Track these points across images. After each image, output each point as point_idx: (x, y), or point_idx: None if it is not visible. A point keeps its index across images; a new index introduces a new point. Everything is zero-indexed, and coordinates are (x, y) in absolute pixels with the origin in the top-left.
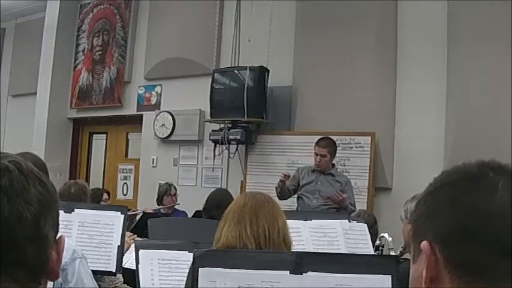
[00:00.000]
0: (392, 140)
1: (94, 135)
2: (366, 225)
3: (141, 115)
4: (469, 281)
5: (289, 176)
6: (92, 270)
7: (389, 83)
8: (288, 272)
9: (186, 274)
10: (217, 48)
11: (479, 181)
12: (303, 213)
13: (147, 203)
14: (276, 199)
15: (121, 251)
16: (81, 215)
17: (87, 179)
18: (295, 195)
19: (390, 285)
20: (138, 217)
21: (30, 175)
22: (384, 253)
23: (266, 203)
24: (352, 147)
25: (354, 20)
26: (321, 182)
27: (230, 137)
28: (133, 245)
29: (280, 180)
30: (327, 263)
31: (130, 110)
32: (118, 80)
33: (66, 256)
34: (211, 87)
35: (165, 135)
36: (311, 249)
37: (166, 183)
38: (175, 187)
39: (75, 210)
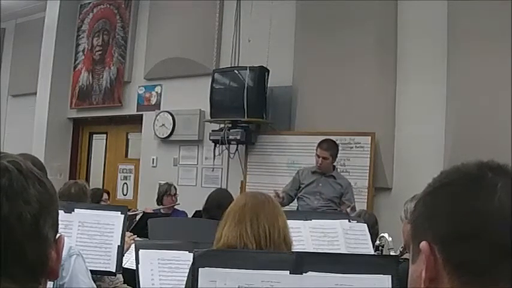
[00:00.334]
0: (392, 140)
1: (94, 135)
2: (366, 225)
3: (141, 115)
4: (468, 281)
5: (282, 198)
6: (92, 270)
7: (389, 83)
8: (288, 272)
9: (186, 274)
10: (217, 48)
11: (478, 181)
12: (303, 213)
13: (147, 203)
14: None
15: (121, 251)
16: (81, 215)
17: (87, 179)
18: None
19: (390, 285)
20: (138, 217)
21: (30, 175)
22: (384, 253)
23: (266, 203)
24: (352, 147)
25: (354, 20)
26: (322, 183)
27: (230, 137)
28: (133, 245)
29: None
30: (327, 263)
31: (130, 110)
32: (118, 80)
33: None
34: (211, 87)
35: (165, 135)
36: (311, 249)
37: (166, 183)
38: (175, 187)
39: (75, 210)
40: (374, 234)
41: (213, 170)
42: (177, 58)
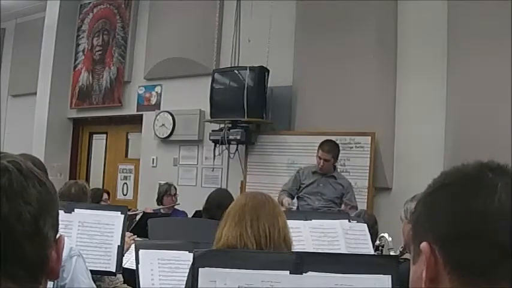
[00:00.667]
0: (392, 140)
1: (94, 135)
2: (366, 225)
3: (141, 115)
4: (468, 281)
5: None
6: (92, 270)
7: (389, 83)
8: (288, 272)
9: (186, 274)
10: (217, 48)
11: (478, 182)
12: (303, 213)
13: (147, 203)
14: (276, 198)
15: (121, 251)
16: (81, 215)
17: (87, 179)
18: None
19: (390, 285)
20: (138, 217)
21: (30, 175)
22: (384, 253)
23: (267, 203)
24: (352, 147)
25: (354, 20)
26: (323, 184)
27: (230, 137)
28: (133, 245)
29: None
30: (327, 263)
31: (130, 110)
32: (118, 80)
33: (63, 254)
34: (211, 87)
35: (165, 135)
36: (311, 249)
37: (166, 183)
38: (175, 187)
39: (75, 210)
40: (374, 234)
41: (213, 170)
42: (177, 58)
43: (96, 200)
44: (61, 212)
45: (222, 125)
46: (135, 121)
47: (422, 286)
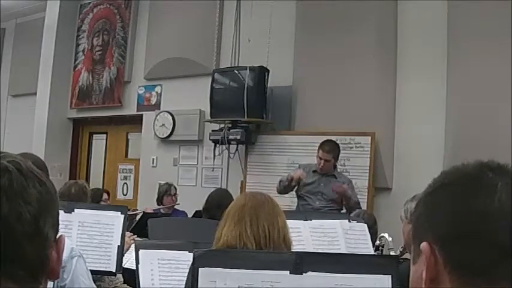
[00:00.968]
0: (392, 140)
1: (94, 135)
2: (366, 225)
3: (141, 115)
4: (468, 281)
5: (301, 179)
6: (92, 270)
7: (389, 83)
8: (288, 272)
9: (186, 274)
10: (217, 48)
11: (479, 182)
12: (303, 213)
13: (147, 203)
14: (276, 198)
15: (121, 251)
16: (81, 215)
17: (87, 179)
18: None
19: (390, 285)
20: (138, 217)
21: (30, 175)
22: (384, 253)
23: (266, 203)
24: (352, 147)
25: (354, 20)
26: (324, 183)
27: (230, 137)
28: (133, 245)
29: (292, 179)
30: (327, 263)
31: (131, 110)
32: (118, 80)
33: (64, 254)
34: (211, 87)
35: (165, 135)
36: (311, 249)
37: (166, 183)
38: (175, 187)
39: (75, 210)
40: (373, 234)
41: (213, 170)
42: (177, 58)
43: (96, 200)
44: (61, 212)
45: (222, 125)
46: (135, 121)
47: (422, 286)
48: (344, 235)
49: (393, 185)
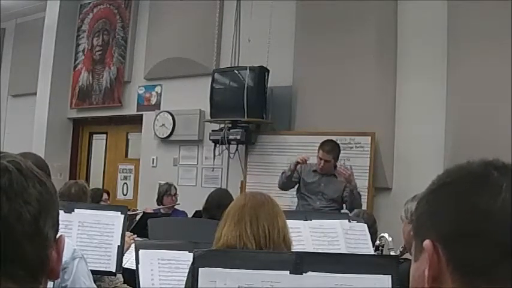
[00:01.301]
0: (392, 140)
1: (94, 135)
2: (365, 225)
3: (141, 115)
4: (470, 280)
5: (306, 160)
6: (92, 270)
7: (389, 83)
8: (288, 272)
9: (186, 274)
10: (217, 48)
11: (484, 181)
12: (303, 213)
13: (147, 203)
14: (276, 198)
15: (121, 251)
16: (81, 215)
17: (87, 179)
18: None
19: (390, 285)
20: (138, 217)
21: (30, 175)
22: (384, 253)
23: (266, 203)
24: (352, 147)
25: (354, 20)
26: (324, 183)
27: (230, 137)
28: (133, 245)
29: (297, 163)
30: (327, 263)
31: (130, 110)
32: (118, 80)
33: (65, 255)
34: (211, 87)
35: (165, 135)
36: (311, 249)
37: (167, 183)
38: (175, 187)
39: (75, 210)
40: (373, 233)
41: (213, 170)
42: (177, 58)
43: (96, 200)
44: (61, 212)
45: (222, 125)
46: (135, 121)
47: (425, 284)
48: (344, 235)
49: (393, 185)
